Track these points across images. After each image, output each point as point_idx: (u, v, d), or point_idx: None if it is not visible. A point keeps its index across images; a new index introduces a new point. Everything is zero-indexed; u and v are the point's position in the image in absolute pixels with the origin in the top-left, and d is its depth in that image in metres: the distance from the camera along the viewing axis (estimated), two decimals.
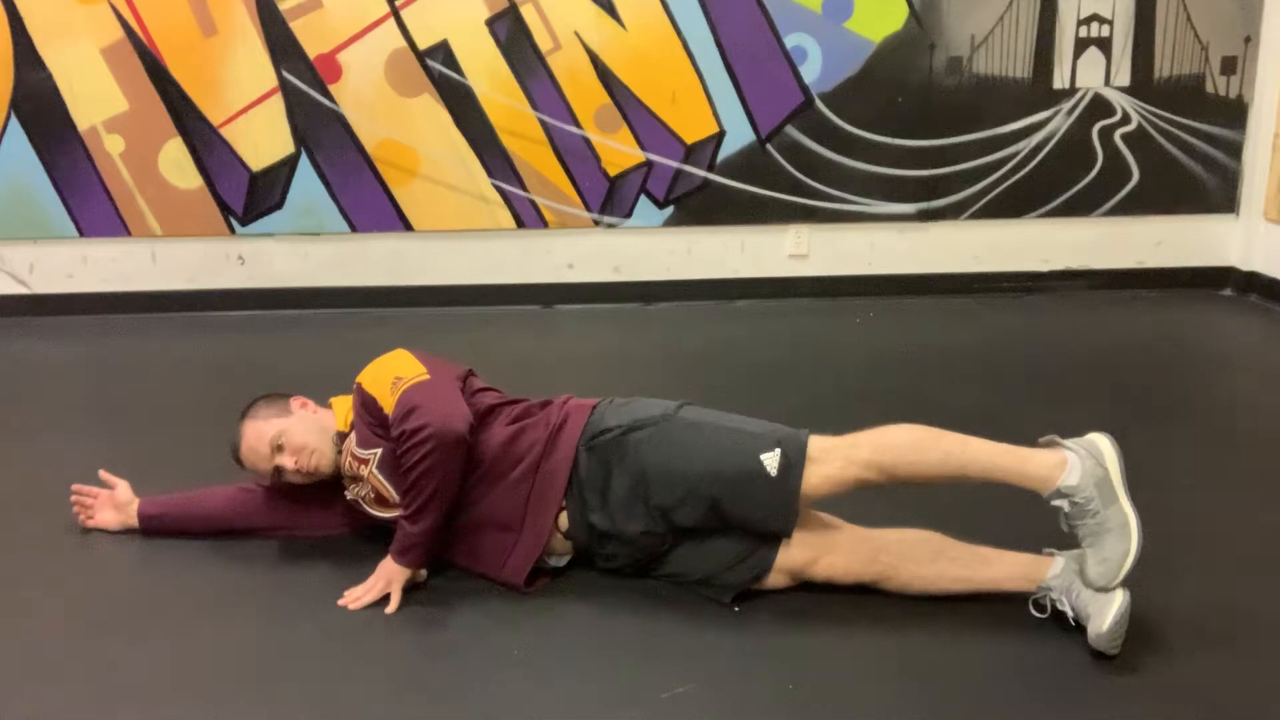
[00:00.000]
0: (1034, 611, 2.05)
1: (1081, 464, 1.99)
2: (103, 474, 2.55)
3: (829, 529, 2.16)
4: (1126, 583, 1.95)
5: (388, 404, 2.19)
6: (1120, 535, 1.93)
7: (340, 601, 2.19)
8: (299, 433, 2.29)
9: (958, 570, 2.10)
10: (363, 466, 2.26)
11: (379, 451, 2.23)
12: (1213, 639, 2.02)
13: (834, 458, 2.09)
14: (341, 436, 2.31)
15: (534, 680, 1.96)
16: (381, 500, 2.28)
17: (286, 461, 2.28)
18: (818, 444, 2.12)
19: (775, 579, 2.17)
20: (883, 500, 2.23)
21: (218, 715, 1.89)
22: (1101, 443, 2.03)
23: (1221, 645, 2.01)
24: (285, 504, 2.46)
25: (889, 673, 1.95)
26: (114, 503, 2.52)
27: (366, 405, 2.25)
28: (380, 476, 2.24)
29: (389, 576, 2.20)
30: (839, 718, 1.84)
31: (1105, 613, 1.91)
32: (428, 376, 2.21)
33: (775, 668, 1.97)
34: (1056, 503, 2.00)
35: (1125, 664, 1.94)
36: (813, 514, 2.18)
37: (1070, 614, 2.00)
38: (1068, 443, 2.05)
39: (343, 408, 2.36)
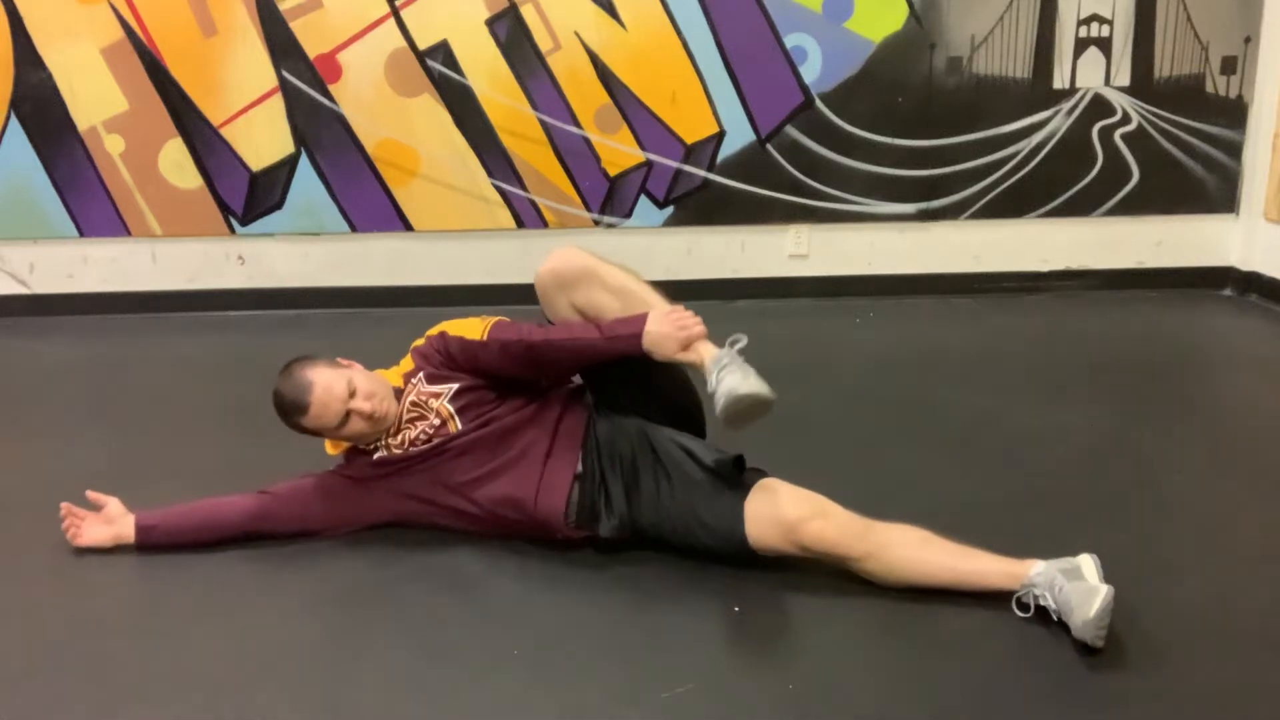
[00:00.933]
0: (1017, 610, 2.05)
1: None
2: (90, 495, 2.49)
3: (823, 500, 2.20)
4: (1118, 580, 1.96)
5: (476, 334, 2.39)
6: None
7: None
8: (366, 381, 2.37)
9: (942, 559, 2.12)
10: (433, 400, 2.38)
11: (454, 386, 2.39)
12: (1212, 639, 2.02)
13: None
14: (397, 392, 2.41)
15: (534, 680, 1.96)
16: (430, 439, 2.38)
17: (363, 405, 2.32)
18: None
19: (768, 532, 2.17)
20: (879, 512, 2.23)
21: (217, 715, 1.89)
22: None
23: (1221, 645, 2.01)
24: (291, 508, 2.46)
25: (889, 673, 1.95)
26: (104, 519, 2.47)
27: (449, 345, 2.41)
28: (450, 409, 2.38)
29: (663, 331, 2.29)
30: (839, 718, 1.84)
31: (1090, 602, 1.92)
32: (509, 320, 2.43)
33: (775, 667, 1.97)
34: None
35: (1124, 664, 1.94)
36: (807, 490, 2.22)
37: (1054, 609, 2.00)
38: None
39: (391, 374, 2.45)
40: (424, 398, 2.39)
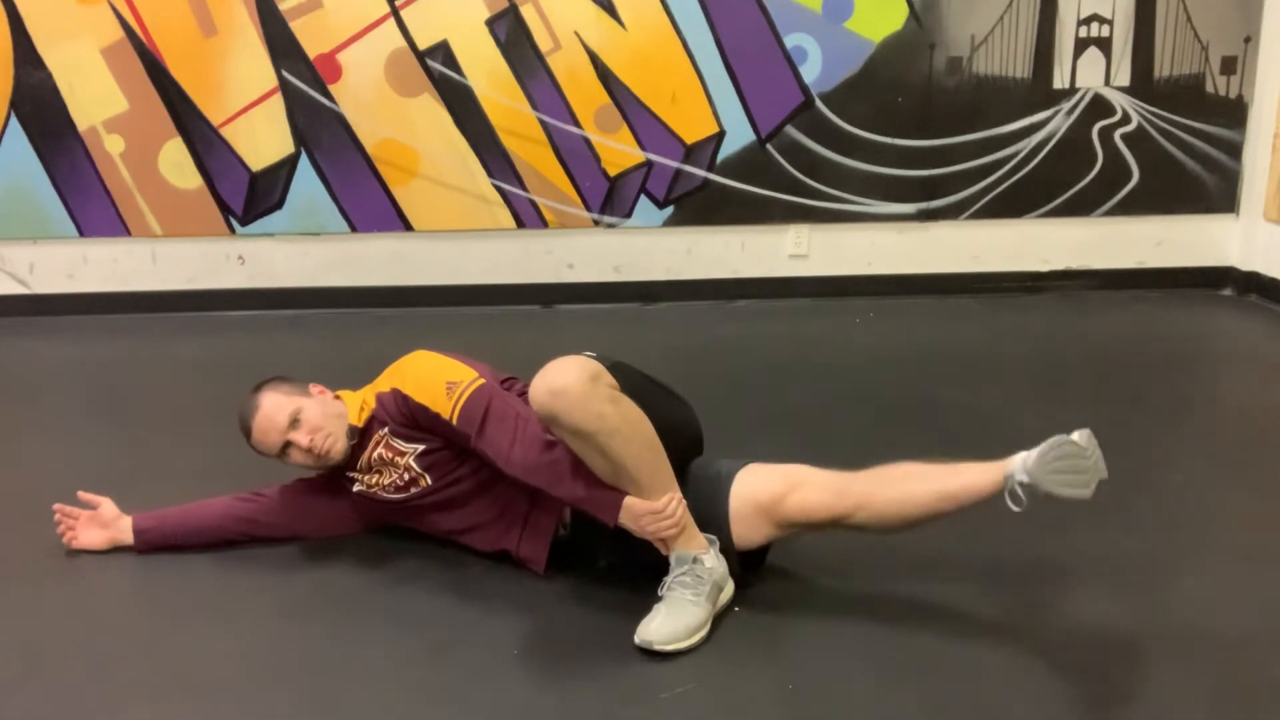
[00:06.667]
0: (1010, 504, 1.96)
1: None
2: (82, 495, 2.48)
3: (798, 469, 2.16)
4: (1118, 580, 1.94)
5: (443, 408, 2.21)
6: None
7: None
8: (318, 414, 2.30)
9: (929, 485, 2.05)
10: (400, 457, 2.30)
11: (420, 447, 2.28)
12: (1211, 639, 2.02)
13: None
14: (354, 430, 2.32)
15: (534, 680, 1.96)
16: (404, 489, 2.33)
17: (300, 438, 2.27)
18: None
19: (755, 528, 2.14)
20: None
21: (217, 715, 1.89)
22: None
23: (1221, 645, 2.00)
24: (287, 510, 2.46)
25: (889, 672, 1.95)
26: (98, 521, 2.45)
27: (412, 410, 2.26)
28: (418, 467, 2.30)
29: (634, 520, 2.08)
30: (839, 718, 1.84)
31: (1039, 446, 1.89)
32: (483, 381, 2.23)
33: (775, 667, 1.97)
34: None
35: (1123, 664, 1.94)
36: (779, 464, 2.18)
37: (1029, 483, 1.92)
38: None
39: (354, 402, 2.37)
40: (391, 454, 2.31)
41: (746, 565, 2.21)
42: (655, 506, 2.06)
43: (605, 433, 1.99)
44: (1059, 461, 1.88)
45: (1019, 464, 1.96)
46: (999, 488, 1.99)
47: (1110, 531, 2.43)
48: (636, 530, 2.09)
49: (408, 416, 2.28)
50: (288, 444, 2.29)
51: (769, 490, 2.13)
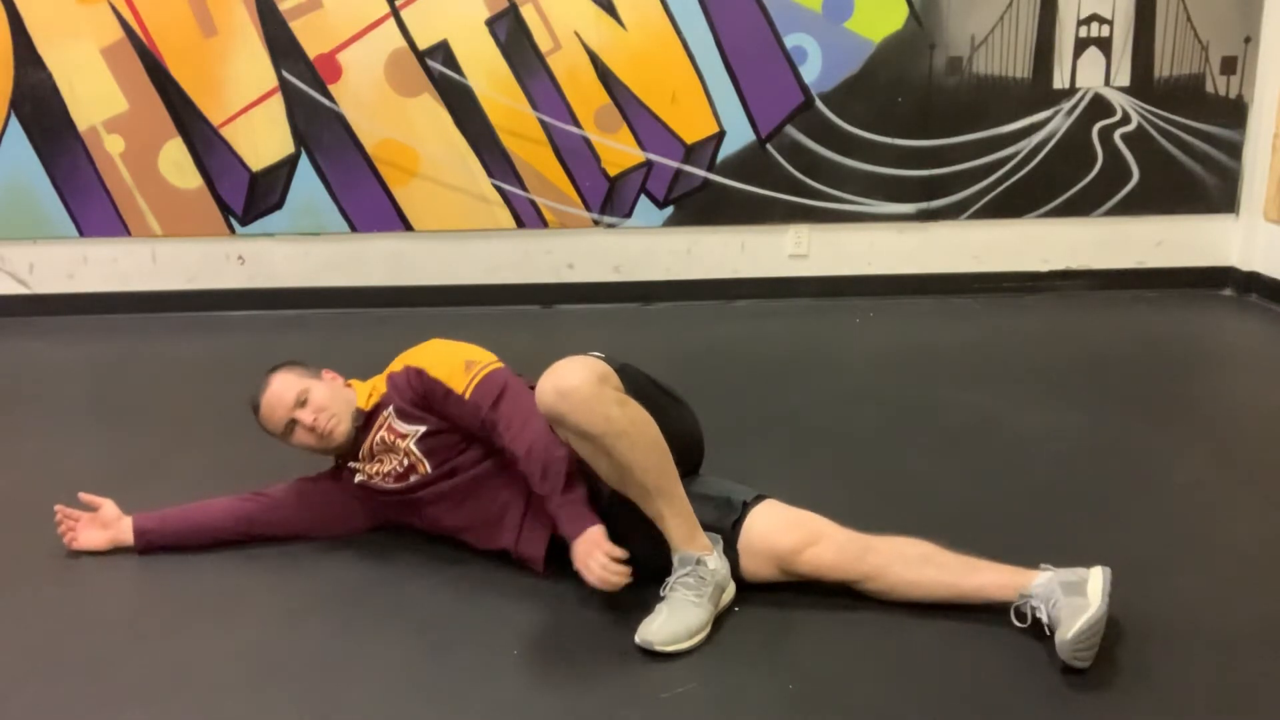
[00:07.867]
0: (1015, 620, 2.01)
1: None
2: (83, 496, 2.48)
3: (818, 522, 2.15)
4: (1117, 580, 1.95)
5: (458, 383, 2.24)
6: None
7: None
8: (325, 395, 2.33)
9: (944, 576, 2.08)
10: (400, 440, 2.31)
11: (422, 429, 2.29)
12: (1211, 639, 2.02)
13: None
14: (361, 414, 2.35)
15: (534, 680, 1.96)
16: (402, 476, 2.33)
17: (305, 416, 2.30)
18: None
19: (762, 568, 2.14)
20: (879, 512, 2.23)
21: (218, 715, 1.89)
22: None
23: (1221, 645, 2.00)
24: (288, 509, 2.46)
25: (889, 673, 1.95)
26: (99, 522, 2.45)
27: (426, 386, 2.28)
28: (418, 451, 2.30)
29: (590, 547, 2.06)
30: (839, 718, 1.84)
31: (1073, 621, 1.88)
32: (501, 365, 2.28)
33: (775, 667, 1.97)
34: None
35: (1124, 664, 1.94)
36: (800, 510, 2.18)
37: (1045, 623, 1.96)
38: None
39: (364, 390, 2.40)
40: (393, 437, 2.32)
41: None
42: (617, 553, 2.05)
43: (612, 435, 1.99)
44: (1089, 639, 1.88)
45: (1041, 589, 1.98)
46: (1012, 601, 2.02)
47: (1110, 531, 2.43)
48: (580, 556, 2.07)
49: (418, 393, 2.30)
50: (293, 422, 2.32)
51: (788, 541, 2.12)
